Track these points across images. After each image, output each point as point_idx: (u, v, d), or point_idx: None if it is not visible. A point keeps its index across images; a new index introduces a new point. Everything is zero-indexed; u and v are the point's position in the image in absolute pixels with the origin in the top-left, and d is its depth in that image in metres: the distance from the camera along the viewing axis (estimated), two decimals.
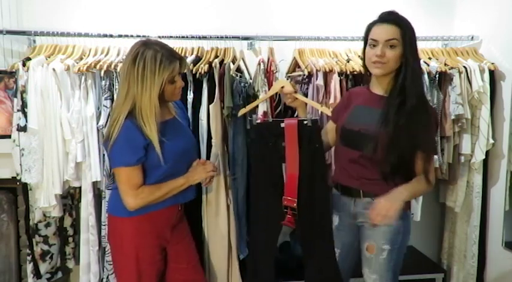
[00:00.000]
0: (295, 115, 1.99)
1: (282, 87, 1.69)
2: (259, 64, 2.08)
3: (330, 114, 1.76)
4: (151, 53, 1.42)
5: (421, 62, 2.21)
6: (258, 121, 1.75)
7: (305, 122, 1.64)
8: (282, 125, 1.64)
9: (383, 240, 1.51)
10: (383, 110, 1.48)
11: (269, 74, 2.13)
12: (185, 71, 1.54)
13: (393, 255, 1.52)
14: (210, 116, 1.98)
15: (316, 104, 1.89)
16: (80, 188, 2.10)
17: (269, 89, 2.02)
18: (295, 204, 1.60)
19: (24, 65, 1.98)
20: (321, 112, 1.90)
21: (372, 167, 1.50)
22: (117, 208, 1.57)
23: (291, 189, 1.62)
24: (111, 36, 2.16)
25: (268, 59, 2.19)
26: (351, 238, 1.66)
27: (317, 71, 2.12)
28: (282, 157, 1.64)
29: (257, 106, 2.01)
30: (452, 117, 2.17)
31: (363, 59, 1.57)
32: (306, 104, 1.79)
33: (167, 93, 1.50)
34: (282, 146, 1.64)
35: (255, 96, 2.07)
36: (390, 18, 1.46)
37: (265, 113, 2.01)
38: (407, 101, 1.44)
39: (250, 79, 2.24)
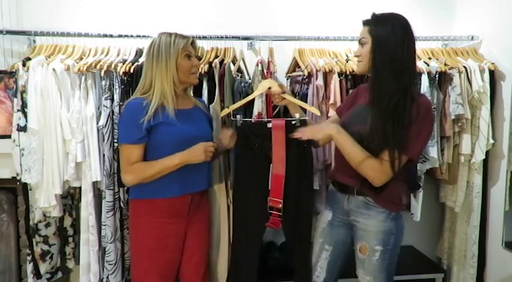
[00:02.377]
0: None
1: (269, 88, 1.67)
2: (257, 65, 2.08)
3: (318, 114, 1.79)
4: (166, 35, 1.58)
5: (421, 62, 2.23)
6: (241, 122, 1.70)
7: (293, 122, 1.62)
8: (269, 125, 1.62)
9: (375, 241, 1.51)
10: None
11: (267, 74, 2.12)
12: (199, 55, 1.65)
13: (386, 256, 1.51)
14: None
15: (304, 103, 1.84)
16: (80, 188, 2.10)
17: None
18: (280, 205, 1.60)
19: (24, 65, 1.98)
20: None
21: None
22: (131, 190, 1.65)
23: (277, 191, 1.60)
24: (111, 36, 2.16)
25: (268, 60, 2.19)
26: (344, 236, 1.64)
27: (317, 71, 2.11)
28: (268, 158, 1.62)
29: (252, 107, 2.01)
30: (452, 117, 2.17)
31: None
32: None
33: (183, 68, 1.57)
34: (268, 147, 1.61)
35: None
36: (365, 20, 1.50)
37: (259, 114, 2.00)
38: (374, 100, 1.45)
39: (250, 79, 2.24)
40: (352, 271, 1.69)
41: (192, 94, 1.82)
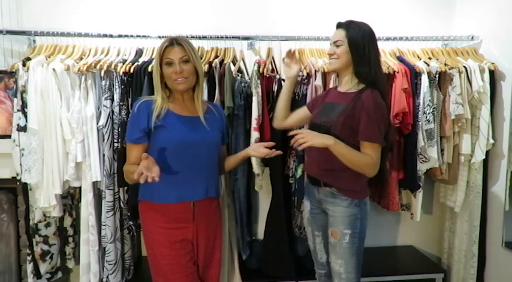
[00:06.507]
0: None
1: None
2: (254, 65, 2.08)
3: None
4: (163, 40, 1.59)
5: (421, 62, 2.23)
6: None
7: None
8: None
9: (343, 225, 1.64)
10: (346, 104, 1.60)
11: (268, 74, 2.12)
12: (178, 55, 1.54)
13: (355, 240, 1.65)
14: None
15: None
16: (80, 188, 2.10)
17: (263, 91, 2.05)
18: None
19: (24, 65, 1.98)
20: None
21: (331, 157, 1.56)
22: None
23: None
24: (111, 36, 2.16)
25: (268, 60, 2.19)
26: (325, 221, 1.74)
27: (316, 71, 2.12)
28: None
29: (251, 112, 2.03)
30: (452, 117, 2.17)
31: None
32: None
33: (166, 76, 1.57)
34: None
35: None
36: (340, 24, 1.66)
37: (259, 117, 2.01)
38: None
39: (249, 79, 2.24)
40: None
41: (204, 99, 1.76)
